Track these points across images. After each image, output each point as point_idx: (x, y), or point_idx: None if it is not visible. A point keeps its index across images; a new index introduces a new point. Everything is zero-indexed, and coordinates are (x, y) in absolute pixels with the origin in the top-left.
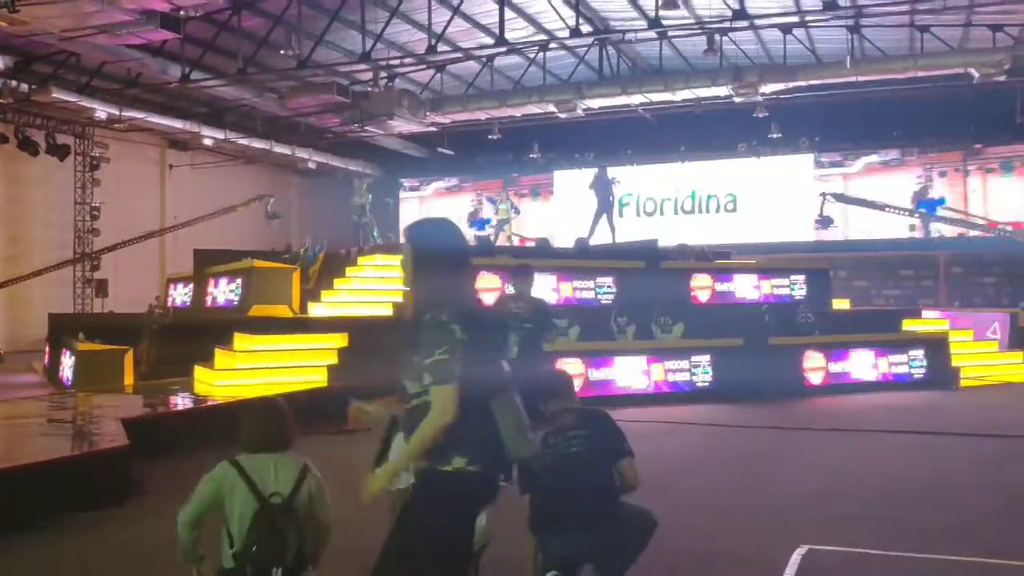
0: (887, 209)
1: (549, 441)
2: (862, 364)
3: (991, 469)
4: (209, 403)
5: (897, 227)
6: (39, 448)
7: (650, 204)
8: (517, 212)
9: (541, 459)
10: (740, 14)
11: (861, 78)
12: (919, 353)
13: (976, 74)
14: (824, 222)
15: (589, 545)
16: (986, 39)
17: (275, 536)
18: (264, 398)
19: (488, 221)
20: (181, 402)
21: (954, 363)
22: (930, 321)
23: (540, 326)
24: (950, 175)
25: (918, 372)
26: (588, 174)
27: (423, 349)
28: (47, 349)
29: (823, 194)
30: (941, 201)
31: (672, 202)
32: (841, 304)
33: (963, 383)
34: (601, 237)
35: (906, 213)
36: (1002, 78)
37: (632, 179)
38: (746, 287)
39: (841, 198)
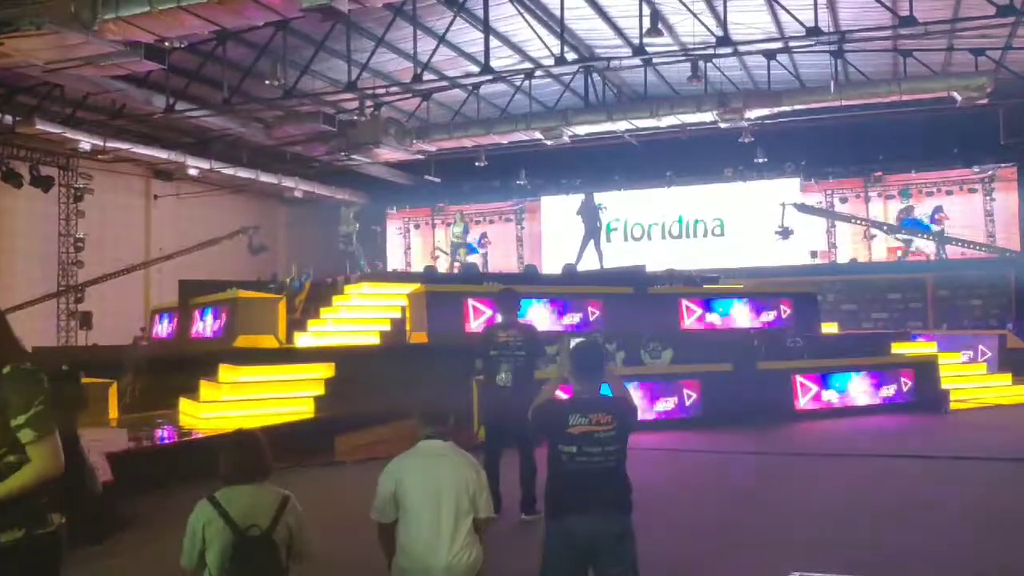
0: (853, 221)
1: (583, 448)
2: (852, 388)
3: (981, 492)
4: (194, 436)
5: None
6: None
7: (637, 229)
8: (472, 249)
9: (569, 462)
10: (724, 41)
11: (845, 102)
12: (908, 376)
13: (959, 97)
14: (784, 233)
15: (614, 528)
16: (968, 63)
17: (254, 568)
18: (239, 430)
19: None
20: (166, 435)
21: (943, 385)
22: (919, 344)
23: (533, 353)
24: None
25: (908, 395)
26: (575, 200)
27: (13, 403)
28: None
29: (783, 204)
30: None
31: (659, 227)
32: (830, 328)
33: (952, 406)
34: (589, 263)
35: (870, 225)
36: (984, 101)
37: (619, 204)
38: (734, 312)
39: (803, 208)
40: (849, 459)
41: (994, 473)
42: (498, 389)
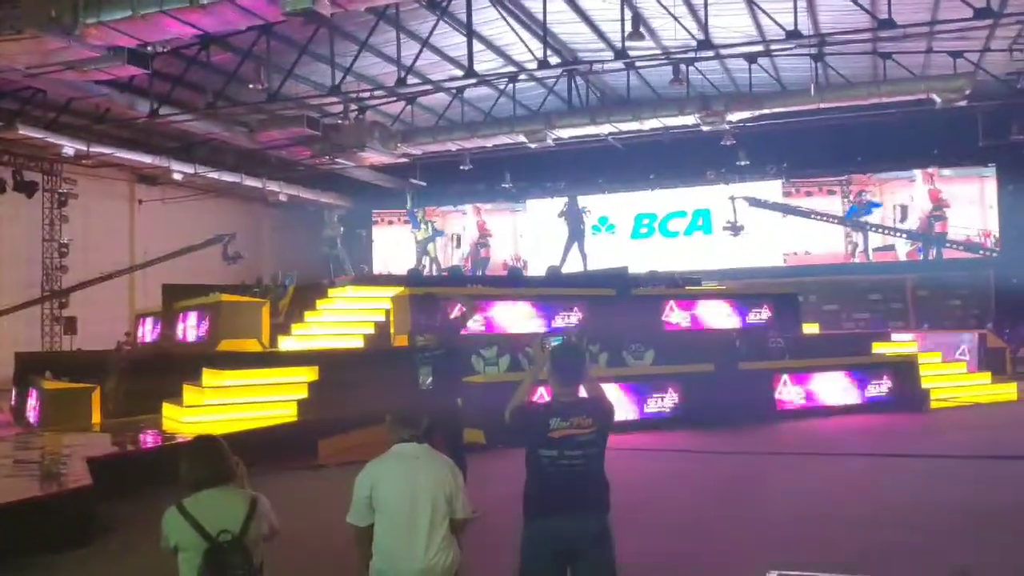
0: (813, 216)
1: (564, 452)
2: (833, 388)
3: (960, 491)
4: (176, 440)
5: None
6: (0, 489)
7: (619, 231)
8: (439, 233)
9: (549, 465)
10: (705, 44)
11: (825, 105)
12: (889, 376)
13: (938, 99)
14: (734, 229)
15: (594, 529)
16: (947, 65)
17: (228, 574)
18: (199, 435)
19: None
20: (148, 440)
21: (924, 385)
22: (899, 344)
23: (451, 350)
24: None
25: (888, 395)
26: (559, 202)
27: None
28: (14, 389)
29: (732, 198)
30: (877, 205)
31: (642, 228)
32: (811, 328)
33: (933, 405)
34: (572, 265)
35: (833, 220)
36: (963, 103)
37: (602, 206)
38: (716, 313)
39: (755, 202)
40: (830, 458)
41: (974, 472)
42: (420, 393)
